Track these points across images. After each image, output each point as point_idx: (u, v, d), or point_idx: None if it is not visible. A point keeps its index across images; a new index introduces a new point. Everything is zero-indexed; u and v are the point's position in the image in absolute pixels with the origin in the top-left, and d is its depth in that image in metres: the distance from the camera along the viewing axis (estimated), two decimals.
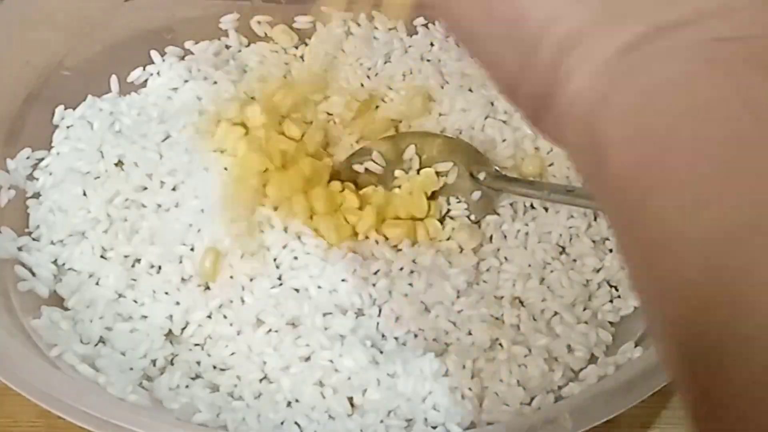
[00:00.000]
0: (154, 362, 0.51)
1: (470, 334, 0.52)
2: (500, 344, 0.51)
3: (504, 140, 0.60)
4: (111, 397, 0.47)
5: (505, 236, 0.56)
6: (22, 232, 0.56)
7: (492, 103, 0.62)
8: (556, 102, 0.27)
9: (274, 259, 0.54)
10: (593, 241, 0.56)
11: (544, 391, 0.49)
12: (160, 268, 0.54)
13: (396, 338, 0.52)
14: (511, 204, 0.57)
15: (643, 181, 0.24)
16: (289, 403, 0.49)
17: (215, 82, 0.63)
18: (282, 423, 0.48)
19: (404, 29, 0.66)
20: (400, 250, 0.55)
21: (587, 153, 0.26)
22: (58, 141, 0.60)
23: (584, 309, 0.54)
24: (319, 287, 0.53)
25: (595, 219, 0.57)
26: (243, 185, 0.56)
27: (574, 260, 0.56)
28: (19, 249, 0.55)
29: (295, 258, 0.54)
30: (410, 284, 0.53)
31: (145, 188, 0.57)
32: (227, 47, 0.66)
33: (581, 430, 0.42)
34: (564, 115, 0.26)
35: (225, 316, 0.52)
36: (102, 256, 0.55)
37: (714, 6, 0.24)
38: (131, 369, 0.50)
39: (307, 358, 0.50)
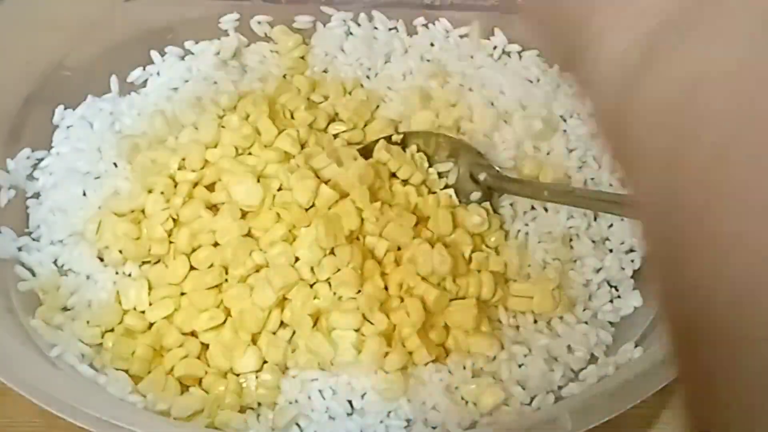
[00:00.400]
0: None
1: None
2: (500, 344, 0.51)
3: (504, 140, 0.60)
4: (110, 397, 0.47)
5: (506, 236, 0.56)
6: (22, 232, 0.56)
7: (492, 103, 0.62)
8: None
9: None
10: (593, 241, 0.56)
11: (544, 391, 0.49)
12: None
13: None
14: (511, 204, 0.57)
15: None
16: (289, 404, 0.49)
17: (215, 82, 0.63)
18: (282, 423, 0.48)
19: (404, 29, 0.66)
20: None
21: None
22: (58, 141, 0.60)
23: (584, 309, 0.54)
24: None
25: (595, 219, 0.57)
26: None
27: (574, 260, 0.56)
28: (19, 249, 0.55)
29: None
30: None
31: None
32: (227, 47, 0.66)
33: (581, 430, 0.42)
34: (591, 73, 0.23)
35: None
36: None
37: None
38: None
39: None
